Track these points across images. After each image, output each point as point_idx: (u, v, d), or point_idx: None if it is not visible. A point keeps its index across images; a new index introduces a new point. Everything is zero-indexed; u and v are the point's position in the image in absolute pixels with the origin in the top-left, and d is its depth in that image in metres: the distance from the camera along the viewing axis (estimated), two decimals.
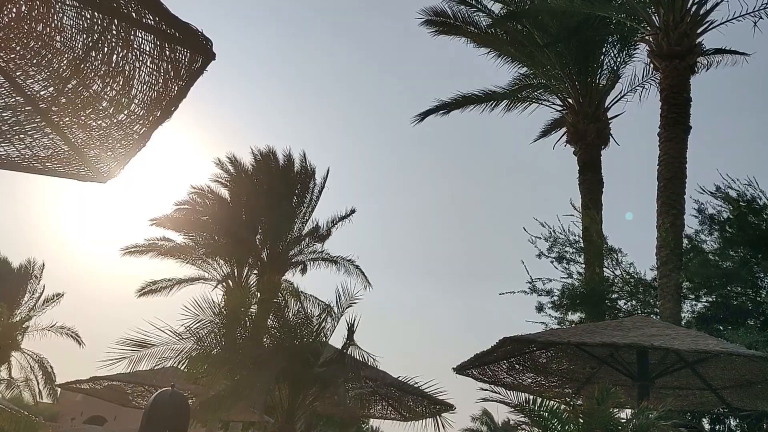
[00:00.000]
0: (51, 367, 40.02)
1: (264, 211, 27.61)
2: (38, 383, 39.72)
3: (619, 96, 20.37)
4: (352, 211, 28.92)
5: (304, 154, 28.73)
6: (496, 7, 19.94)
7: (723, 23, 15.74)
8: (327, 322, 11.13)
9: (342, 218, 28.75)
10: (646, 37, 16.77)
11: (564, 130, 20.96)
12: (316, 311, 11.22)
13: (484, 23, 20.27)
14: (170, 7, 3.65)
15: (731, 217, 15.71)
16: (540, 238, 18.43)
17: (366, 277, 28.64)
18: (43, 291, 41.67)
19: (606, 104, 20.45)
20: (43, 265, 41.92)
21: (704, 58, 17.05)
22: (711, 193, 15.97)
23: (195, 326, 10.62)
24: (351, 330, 10.89)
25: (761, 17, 14.92)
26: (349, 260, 28.71)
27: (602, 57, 19.77)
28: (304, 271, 28.55)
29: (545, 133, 22.34)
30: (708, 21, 16.04)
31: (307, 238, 28.80)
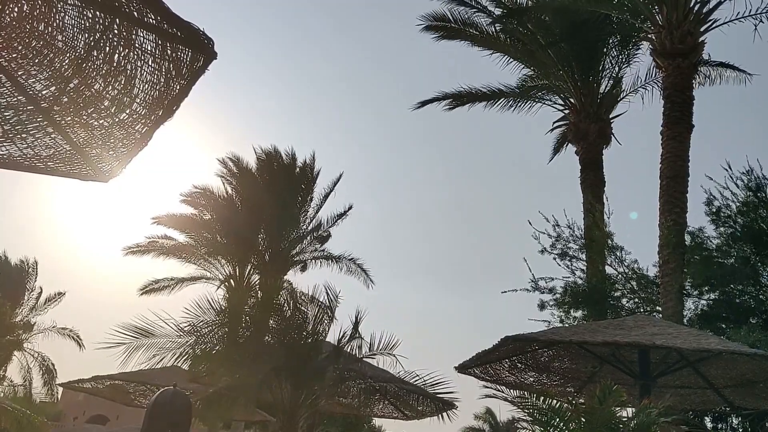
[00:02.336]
0: (53, 366, 40.05)
1: (266, 210, 27.59)
2: (42, 382, 39.75)
3: (621, 96, 20.44)
4: (350, 208, 28.83)
5: (313, 155, 28.70)
6: (498, 11, 19.94)
7: (725, 23, 15.77)
8: (325, 322, 11.16)
9: (341, 215, 28.70)
10: (649, 36, 16.78)
11: (564, 129, 21.01)
12: (313, 310, 11.24)
13: (485, 24, 20.28)
14: (172, 7, 3.66)
15: (743, 206, 15.59)
16: (544, 233, 18.41)
17: (368, 274, 28.58)
18: (41, 291, 41.68)
19: (608, 104, 20.48)
20: (36, 262, 41.89)
21: (708, 68, 17.07)
22: (731, 177, 15.85)
23: (197, 323, 10.69)
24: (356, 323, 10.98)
25: (762, 21, 14.93)
26: (351, 259, 28.69)
27: (604, 57, 19.78)
28: (304, 269, 28.51)
29: (557, 149, 22.34)
30: (711, 20, 16.06)
31: (309, 238, 28.79)
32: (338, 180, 28.72)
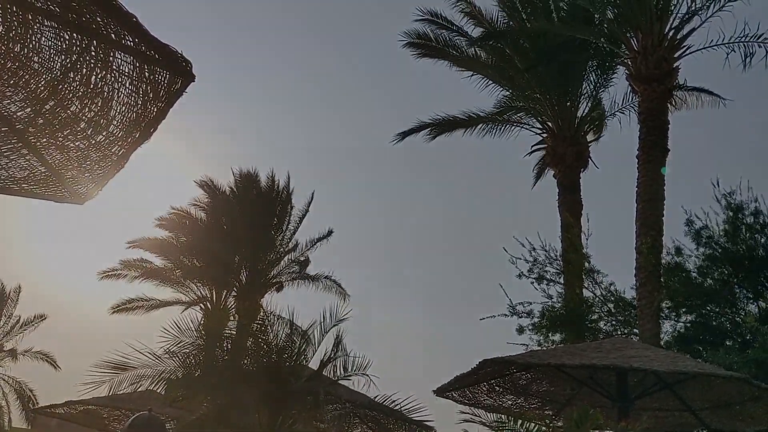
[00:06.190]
0: (32, 391, 39.19)
1: (243, 233, 27.48)
2: (20, 407, 38.86)
3: (599, 120, 20.65)
4: (330, 233, 28.71)
5: (293, 177, 28.61)
6: (477, 31, 20.19)
7: (699, 50, 16.05)
8: (306, 346, 11.11)
9: (320, 239, 28.60)
10: (625, 61, 17.01)
11: (544, 153, 21.15)
12: (286, 332, 11.20)
13: (466, 46, 20.48)
14: (150, 29, 3.63)
15: (725, 228, 15.73)
16: (521, 258, 18.48)
17: (344, 290, 28.37)
18: (19, 317, 40.85)
19: (585, 128, 20.67)
20: (19, 288, 41.08)
21: (684, 93, 17.32)
22: (717, 198, 16.02)
23: (175, 348, 10.60)
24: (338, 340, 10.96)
25: (733, 49, 15.20)
26: (327, 277, 28.53)
27: (581, 81, 19.99)
28: (279, 289, 28.31)
29: (539, 174, 22.43)
30: (685, 46, 16.32)
31: (287, 260, 28.67)
32: (311, 199, 28.65)
